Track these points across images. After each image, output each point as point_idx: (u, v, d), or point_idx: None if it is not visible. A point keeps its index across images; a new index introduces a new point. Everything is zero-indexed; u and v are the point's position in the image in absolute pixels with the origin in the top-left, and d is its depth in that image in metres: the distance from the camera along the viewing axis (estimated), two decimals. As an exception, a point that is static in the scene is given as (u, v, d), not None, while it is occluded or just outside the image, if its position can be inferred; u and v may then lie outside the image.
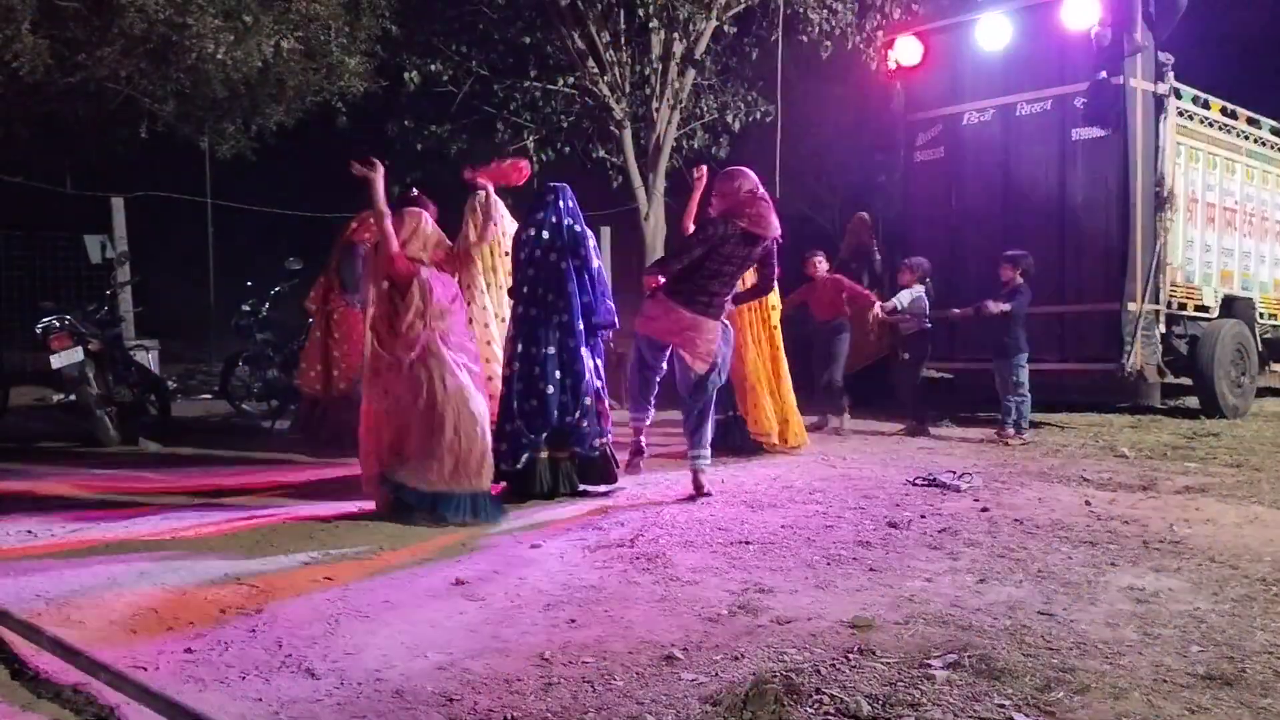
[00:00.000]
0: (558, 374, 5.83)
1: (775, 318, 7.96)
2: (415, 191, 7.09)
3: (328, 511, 5.43)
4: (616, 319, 6.30)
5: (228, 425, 9.88)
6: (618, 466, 6.20)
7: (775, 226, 5.81)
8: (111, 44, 9.13)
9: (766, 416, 7.79)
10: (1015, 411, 8.65)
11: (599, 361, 6.16)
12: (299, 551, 4.51)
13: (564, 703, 2.76)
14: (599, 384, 6.09)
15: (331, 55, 10.87)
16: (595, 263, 6.10)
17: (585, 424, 5.90)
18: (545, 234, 5.95)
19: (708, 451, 6.09)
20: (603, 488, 6.13)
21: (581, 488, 6.03)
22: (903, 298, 9.13)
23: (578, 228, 6.05)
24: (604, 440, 6.08)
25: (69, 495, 6.00)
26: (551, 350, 5.83)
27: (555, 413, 5.79)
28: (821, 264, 9.44)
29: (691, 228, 6.44)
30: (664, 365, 6.04)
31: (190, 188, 16.35)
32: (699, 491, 5.94)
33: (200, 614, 3.54)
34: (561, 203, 6.07)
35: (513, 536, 4.89)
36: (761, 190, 5.88)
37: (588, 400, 5.90)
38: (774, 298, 7.73)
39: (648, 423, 6.20)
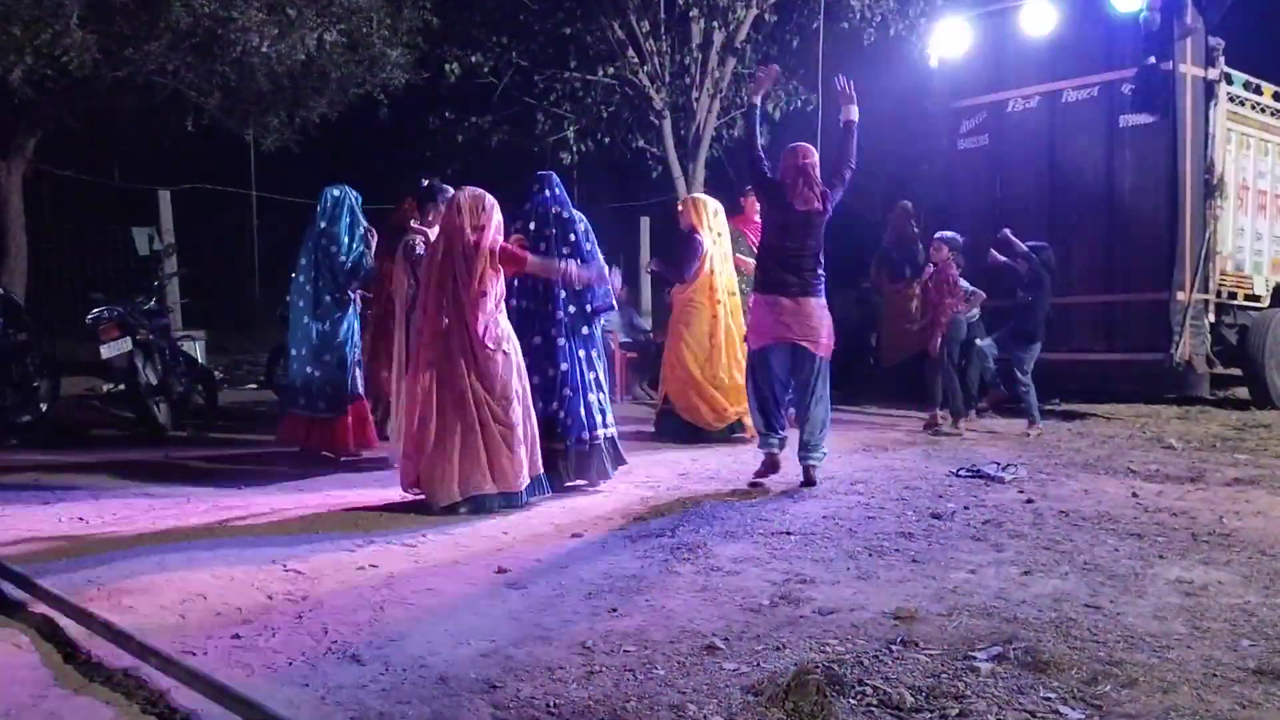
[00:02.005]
0: (545, 364, 5.77)
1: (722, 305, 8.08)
2: (426, 182, 7.02)
3: (373, 500, 5.50)
4: (615, 302, 6.29)
5: (274, 415, 9.99)
6: (624, 462, 6.15)
7: (809, 199, 5.87)
8: (158, 38, 9.23)
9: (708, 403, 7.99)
10: (1025, 401, 8.58)
11: (594, 352, 6.05)
12: (344, 539, 4.56)
13: (605, 691, 2.78)
14: (594, 375, 5.98)
15: (374, 48, 10.93)
16: (587, 247, 6.02)
17: (565, 416, 5.79)
18: (533, 224, 5.93)
19: (822, 453, 6.05)
20: (588, 481, 5.95)
21: (577, 482, 5.90)
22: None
23: (565, 214, 5.99)
24: (596, 434, 5.93)
25: (119, 483, 6.10)
26: (539, 340, 5.79)
27: (540, 403, 5.68)
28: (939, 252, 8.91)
29: None
30: (787, 375, 5.99)
31: (235, 180, 16.55)
32: (812, 484, 5.93)
33: (248, 600, 3.59)
34: (547, 191, 6.03)
35: (554, 526, 4.91)
36: (806, 161, 5.97)
37: (567, 391, 5.80)
38: (731, 284, 8.11)
39: (775, 443, 6.05)
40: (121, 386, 8.32)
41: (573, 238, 5.96)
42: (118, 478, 6.28)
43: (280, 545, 4.42)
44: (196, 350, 10.44)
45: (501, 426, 5.15)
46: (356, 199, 7.21)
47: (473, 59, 13.34)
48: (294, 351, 7.15)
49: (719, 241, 8.15)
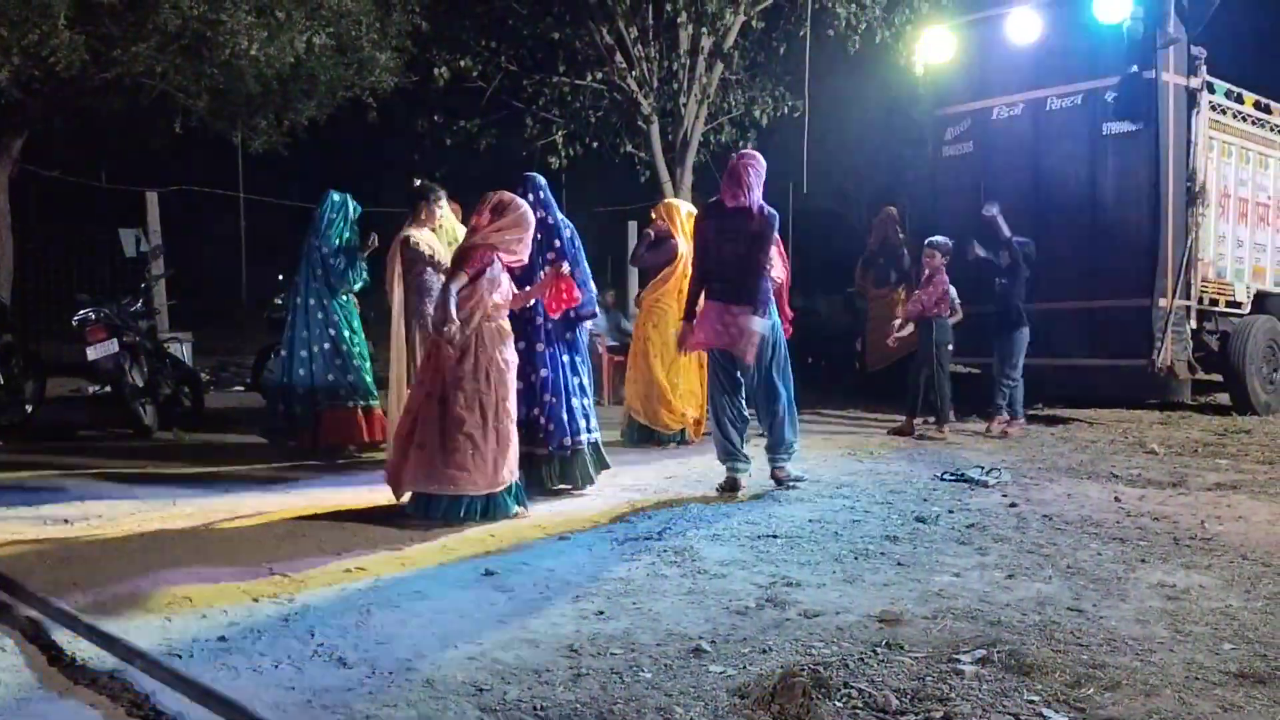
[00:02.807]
0: (526, 370, 5.73)
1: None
2: (418, 182, 7.03)
3: (360, 502, 5.49)
4: (597, 308, 6.28)
5: (260, 416, 9.96)
6: (607, 466, 6.13)
7: (739, 197, 5.82)
8: (146, 40, 9.22)
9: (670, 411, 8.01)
10: (1009, 395, 8.72)
11: (578, 357, 6.03)
12: (330, 542, 4.56)
13: (592, 693, 2.79)
14: (578, 380, 5.97)
15: (363, 51, 10.93)
16: (571, 253, 5.98)
17: (547, 421, 5.77)
18: None
19: (790, 454, 6.06)
20: (572, 486, 5.94)
21: (561, 486, 5.89)
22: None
23: (550, 220, 5.93)
24: (580, 439, 5.91)
25: (105, 485, 6.08)
26: (521, 346, 5.71)
27: (522, 408, 5.62)
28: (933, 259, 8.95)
29: None
30: (740, 381, 6.00)
31: (223, 182, 16.52)
32: (780, 484, 5.96)
33: (234, 603, 3.59)
34: (530, 194, 5.89)
35: (541, 529, 4.92)
36: (744, 162, 5.91)
37: (549, 397, 5.78)
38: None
39: (740, 468, 6.01)
40: (108, 388, 8.30)
41: (557, 243, 5.91)
42: (103, 480, 6.26)
43: (266, 548, 4.42)
44: (183, 352, 10.41)
45: (458, 432, 5.04)
46: (355, 208, 7.47)
47: (461, 63, 13.35)
48: (301, 352, 7.26)
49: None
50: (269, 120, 11.35)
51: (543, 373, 5.81)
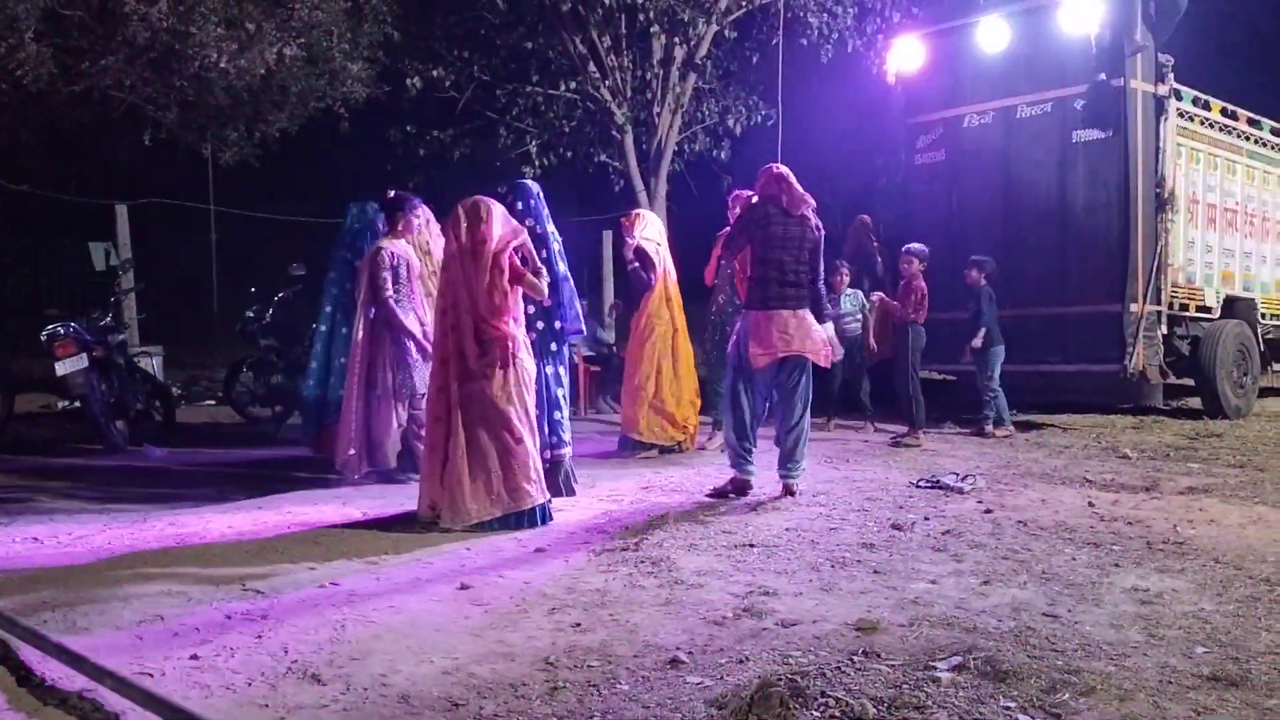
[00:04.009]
0: None
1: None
2: (393, 193, 6.98)
3: (334, 518, 5.44)
4: (583, 325, 6.26)
5: (233, 431, 9.89)
6: (576, 481, 6.12)
7: (800, 206, 5.92)
8: (115, 53, 9.16)
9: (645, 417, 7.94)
10: (992, 406, 9.05)
11: (560, 369, 6.02)
12: (304, 557, 4.51)
13: (569, 707, 2.77)
14: (560, 391, 5.96)
15: (334, 61, 10.91)
16: (560, 267, 5.95)
17: None
18: None
19: (802, 467, 6.09)
20: (572, 501, 5.92)
21: None
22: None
23: (539, 230, 5.88)
24: (560, 451, 5.93)
25: (74, 503, 6.01)
26: None
27: None
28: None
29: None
30: (769, 391, 6.06)
31: (194, 194, 16.41)
32: (792, 495, 5.98)
33: (205, 620, 3.55)
34: (520, 203, 5.88)
35: (517, 541, 4.90)
36: (785, 171, 6.03)
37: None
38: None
39: (751, 470, 6.07)
40: (77, 404, 8.20)
41: (543, 253, 5.84)
42: (73, 497, 6.19)
43: (239, 564, 4.37)
44: (154, 366, 10.33)
45: (515, 446, 5.11)
46: (376, 214, 7.23)
47: (434, 73, 13.32)
48: (336, 363, 7.12)
49: (660, 250, 8.07)
50: (239, 132, 11.29)
51: None
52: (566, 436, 6.02)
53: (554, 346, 5.96)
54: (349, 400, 6.43)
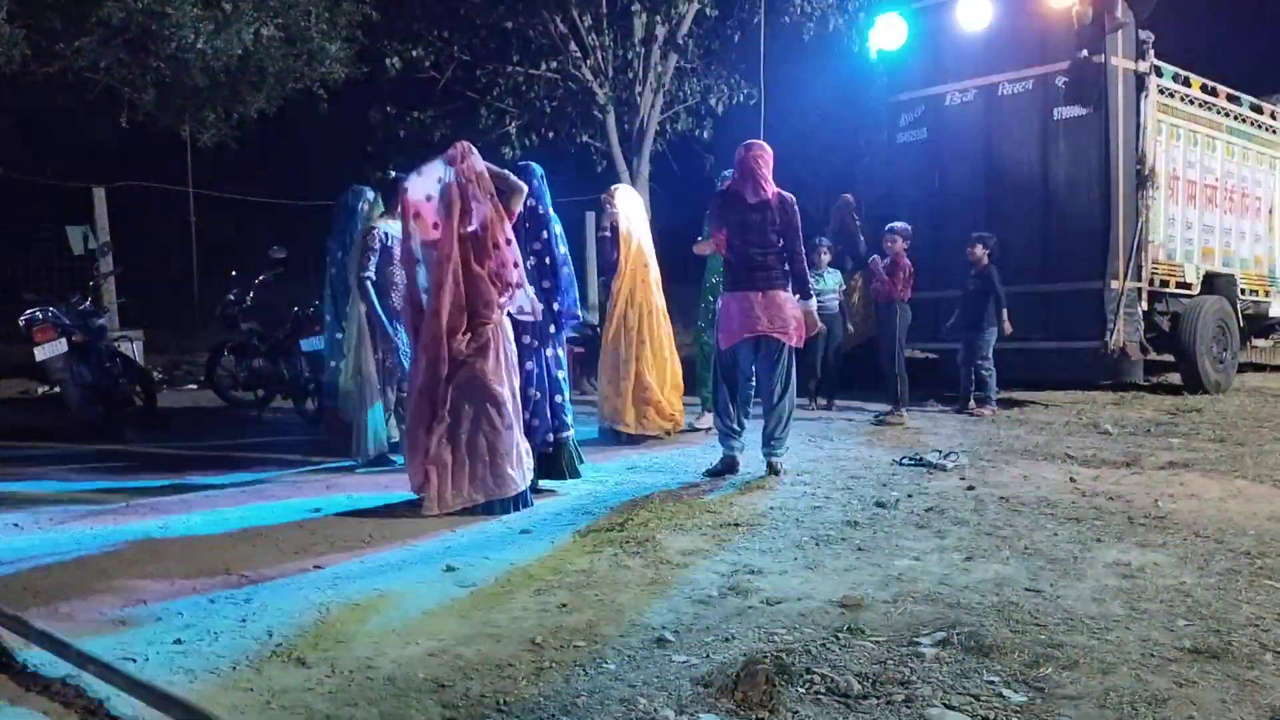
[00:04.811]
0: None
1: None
2: (393, 174, 6.95)
3: (317, 501, 5.42)
4: (580, 312, 6.24)
5: (214, 415, 9.84)
6: (581, 461, 6.09)
7: (760, 191, 5.96)
8: (90, 34, 9.06)
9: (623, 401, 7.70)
10: (987, 383, 9.10)
11: (560, 351, 5.98)
12: (288, 541, 4.50)
13: (556, 687, 2.78)
14: (559, 374, 5.92)
15: (312, 42, 10.81)
16: (560, 250, 5.92)
17: (532, 417, 5.69)
18: None
19: (786, 445, 6.14)
20: (557, 483, 5.85)
21: (546, 483, 5.79)
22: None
23: (541, 210, 5.85)
24: (563, 435, 5.89)
25: (55, 488, 5.97)
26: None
27: None
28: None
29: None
30: (751, 370, 6.12)
31: (172, 177, 16.25)
32: (777, 474, 6.01)
33: (189, 604, 3.53)
34: (525, 183, 5.78)
35: (502, 522, 4.89)
36: (754, 154, 6.04)
37: (534, 392, 5.72)
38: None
39: (739, 446, 6.13)
40: (57, 389, 8.13)
41: (544, 234, 5.82)
42: (54, 483, 6.15)
43: (222, 549, 4.35)
44: (134, 351, 10.24)
45: (503, 431, 5.05)
46: (370, 198, 7.12)
47: (414, 53, 13.22)
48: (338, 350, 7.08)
49: (631, 228, 7.85)
50: (217, 113, 11.20)
51: (528, 366, 5.71)
52: (569, 419, 5.98)
53: (553, 329, 5.91)
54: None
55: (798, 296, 6.04)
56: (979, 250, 9.15)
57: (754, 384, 6.39)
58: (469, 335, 5.02)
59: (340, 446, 6.76)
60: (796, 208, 6.06)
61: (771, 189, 6.02)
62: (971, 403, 9.14)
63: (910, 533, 4.53)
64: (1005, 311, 9.02)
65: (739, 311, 6.01)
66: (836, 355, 9.90)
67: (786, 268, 6.03)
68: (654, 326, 7.81)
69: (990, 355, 9.17)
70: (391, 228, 6.51)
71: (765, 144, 6.17)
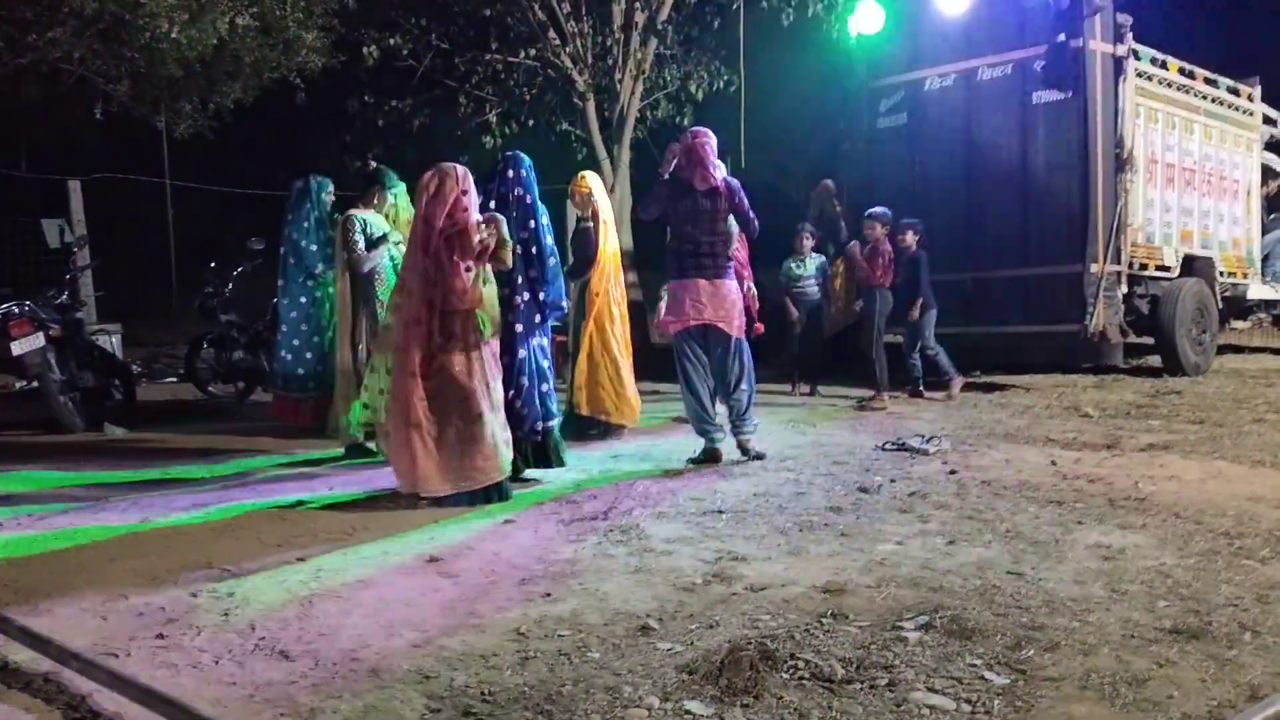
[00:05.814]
0: (501, 351, 5.53)
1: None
2: (374, 165, 6.95)
3: (300, 493, 5.40)
4: (565, 302, 6.23)
5: (194, 408, 9.78)
6: (563, 450, 6.06)
7: (707, 178, 5.98)
8: (62, 24, 8.94)
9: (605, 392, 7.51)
10: (939, 364, 9.15)
11: (546, 340, 5.98)
12: (270, 535, 4.48)
13: (541, 676, 2.78)
14: (545, 363, 5.91)
15: (288, 31, 10.70)
16: (547, 240, 5.89)
17: (521, 405, 5.68)
18: (493, 203, 5.77)
19: (754, 424, 6.17)
20: (541, 472, 5.84)
21: (533, 472, 5.78)
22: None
23: (528, 199, 5.83)
24: (551, 423, 5.89)
25: (34, 484, 5.92)
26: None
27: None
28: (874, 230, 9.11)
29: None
30: (704, 358, 6.13)
31: (148, 169, 16.12)
32: (749, 455, 6.07)
33: (171, 599, 3.51)
34: (512, 172, 5.83)
35: (486, 512, 4.88)
36: (699, 141, 6.02)
37: (523, 380, 5.70)
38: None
39: (719, 436, 6.15)
40: (34, 384, 8.06)
41: (532, 224, 5.79)
42: (33, 478, 6.10)
43: (204, 543, 4.33)
44: (112, 344, 10.17)
45: (476, 424, 5.02)
46: (319, 186, 7.45)
47: (391, 41, 13.08)
48: (289, 336, 7.40)
49: (606, 213, 7.74)
50: (193, 104, 11.09)
51: (519, 354, 5.70)
52: (555, 408, 6.00)
53: (538, 319, 5.88)
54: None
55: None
56: (909, 237, 9.19)
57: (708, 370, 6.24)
58: (438, 326, 5.01)
59: (291, 433, 7.11)
60: (742, 190, 6.10)
61: (718, 175, 6.03)
62: (949, 389, 9.11)
63: (893, 517, 4.55)
64: (919, 301, 9.01)
65: (686, 299, 6.02)
66: (819, 341, 9.92)
67: (730, 257, 6.12)
68: (624, 316, 7.78)
69: (931, 337, 9.16)
70: (370, 216, 6.56)
71: (709, 131, 6.14)
